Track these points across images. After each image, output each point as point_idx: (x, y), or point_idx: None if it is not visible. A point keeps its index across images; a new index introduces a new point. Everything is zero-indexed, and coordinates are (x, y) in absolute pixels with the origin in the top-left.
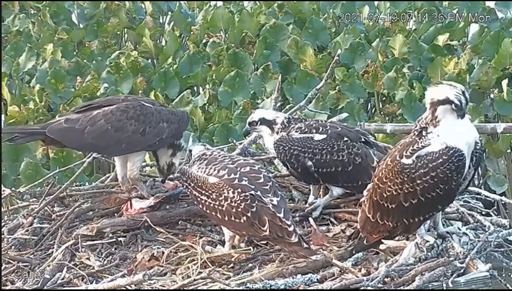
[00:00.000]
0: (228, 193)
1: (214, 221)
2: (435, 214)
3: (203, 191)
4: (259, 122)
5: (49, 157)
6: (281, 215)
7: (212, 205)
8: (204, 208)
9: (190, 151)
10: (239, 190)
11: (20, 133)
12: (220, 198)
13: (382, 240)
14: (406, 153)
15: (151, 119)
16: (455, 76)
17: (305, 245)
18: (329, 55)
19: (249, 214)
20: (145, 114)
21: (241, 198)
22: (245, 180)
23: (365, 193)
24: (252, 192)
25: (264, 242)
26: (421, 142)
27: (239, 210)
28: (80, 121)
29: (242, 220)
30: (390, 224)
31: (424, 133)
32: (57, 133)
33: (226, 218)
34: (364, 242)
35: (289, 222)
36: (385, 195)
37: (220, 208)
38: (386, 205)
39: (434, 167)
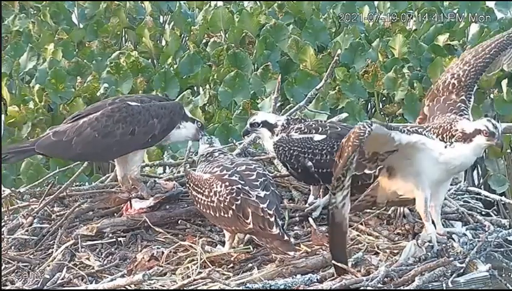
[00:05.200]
0: (216, 187)
1: (210, 220)
2: None
3: (199, 190)
4: (261, 125)
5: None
6: (264, 205)
7: (206, 202)
8: (201, 208)
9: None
10: (226, 184)
11: (11, 153)
12: (211, 194)
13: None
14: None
15: (139, 118)
16: None
17: (285, 238)
18: (329, 55)
19: (233, 207)
20: (132, 114)
21: (227, 191)
22: (236, 176)
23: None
24: (239, 186)
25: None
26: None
27: (226, 203)
28: (67, 132)
29: (229, 215)
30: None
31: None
32: (46, 148)
33: (217, 214)
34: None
35: (271, 212)
36: None
37: (212, 204)
38: None
39: None
